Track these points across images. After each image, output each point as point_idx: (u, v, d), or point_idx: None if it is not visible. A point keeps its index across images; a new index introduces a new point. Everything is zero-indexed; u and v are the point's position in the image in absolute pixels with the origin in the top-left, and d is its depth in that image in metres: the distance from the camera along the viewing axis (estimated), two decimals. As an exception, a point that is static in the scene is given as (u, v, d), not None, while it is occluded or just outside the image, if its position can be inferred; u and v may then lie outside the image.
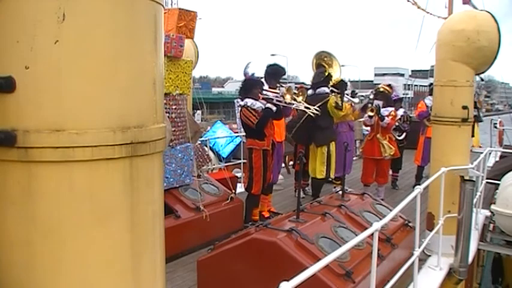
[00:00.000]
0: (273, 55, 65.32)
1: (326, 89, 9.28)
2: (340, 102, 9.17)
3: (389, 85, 12.21)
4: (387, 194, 10.40)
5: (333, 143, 9.31)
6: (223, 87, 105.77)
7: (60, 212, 1.88)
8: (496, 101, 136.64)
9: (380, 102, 9.92)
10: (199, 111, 35.78)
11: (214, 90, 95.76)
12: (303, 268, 2.86)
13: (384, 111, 9.76)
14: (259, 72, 8.59)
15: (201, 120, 26.79)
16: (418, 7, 17.87)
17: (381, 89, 10.29)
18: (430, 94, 11.63)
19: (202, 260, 5.39)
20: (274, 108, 7.62)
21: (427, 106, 11.26)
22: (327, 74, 9.56)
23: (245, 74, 8.23)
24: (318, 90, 9.28)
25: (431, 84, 12.23)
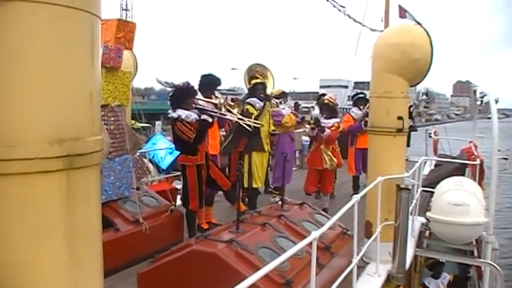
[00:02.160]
0: (233, 69, 64.99)
1: (253, 100, 9.29)
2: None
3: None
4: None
5: (254, 152, 9.25)
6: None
7: (-6, 226, 1.84)
8: (434, 111, 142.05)
9: (319, 115, 10.07)
10: (159, 122, 35.73)
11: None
12: (243, 278, 2.86)
13: (328, 123, 9.90)
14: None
15: (161, 131, 26.67)
16: (355, 21, 18.39)
17: (326, 101, 10.42)
18: (354, 105, 12.00)
19: (142, 273, 5.33)
20: (210, 120, 7.52)
21: (353, 119, 11.56)
22: (253, 83, 9.57)
23: (166, 84, 7.61)
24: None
25: (354, 96, 12.60)
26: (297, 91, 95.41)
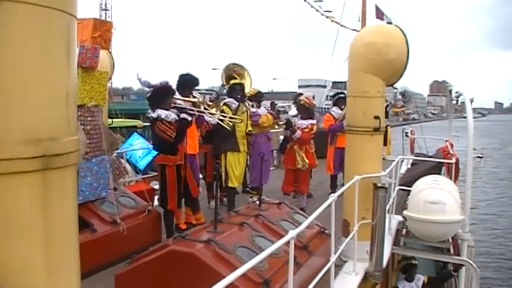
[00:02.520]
0: (214, 69, 64.44)
1: (230, 100, 9.33)
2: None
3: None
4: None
5: (229, 152, 9.29)
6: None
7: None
8: (411, 110, 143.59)
9: (291, 116, 10.17)
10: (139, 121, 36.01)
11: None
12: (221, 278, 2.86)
13: (302, 124, 9.96)
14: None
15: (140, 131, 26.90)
16: (332, 20, 18.54)
17: (302, 102, 10.44)
18: (335, 105, 12.09)
19: (120, 274, 5.30)
20: (189, 118, 7.57)
21: (334, 118, 11.63)
22: (231, 83, 9.62)
23: (145, 83, 7.65)
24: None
25: (335, 95, 12.70)
26: (275, 91, 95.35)
